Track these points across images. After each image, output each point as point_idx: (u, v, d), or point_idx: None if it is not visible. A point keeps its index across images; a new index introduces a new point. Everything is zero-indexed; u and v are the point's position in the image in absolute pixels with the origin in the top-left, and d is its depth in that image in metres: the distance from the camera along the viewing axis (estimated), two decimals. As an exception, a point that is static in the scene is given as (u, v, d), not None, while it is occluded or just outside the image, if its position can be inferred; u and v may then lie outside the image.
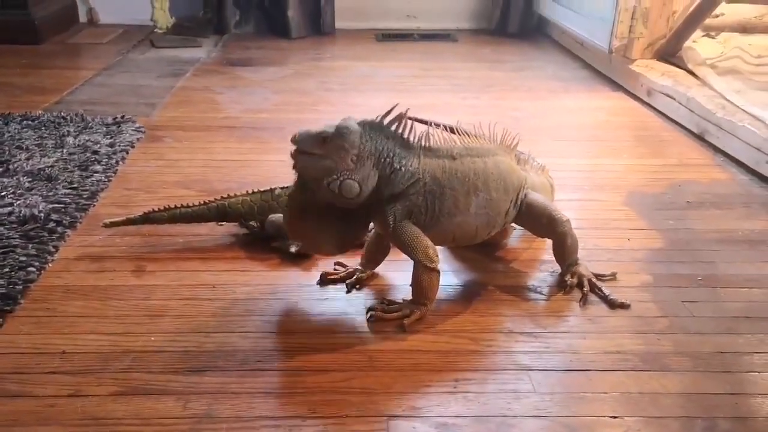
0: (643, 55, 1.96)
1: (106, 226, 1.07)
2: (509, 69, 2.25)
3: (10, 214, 1.11)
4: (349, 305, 0.96)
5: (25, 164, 1.31)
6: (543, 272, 1.06)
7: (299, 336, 0.89)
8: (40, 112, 1.65)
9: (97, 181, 1.28)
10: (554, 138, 1.64)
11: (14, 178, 1.25)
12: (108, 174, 1.33)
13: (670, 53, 1.94)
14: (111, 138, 1.50)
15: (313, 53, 2.42)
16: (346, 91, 1.98)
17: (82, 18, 2.76)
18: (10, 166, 1.30)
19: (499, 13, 2.68)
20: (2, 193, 1.19)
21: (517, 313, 0.96)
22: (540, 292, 1.01)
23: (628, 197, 1.32)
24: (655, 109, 1.82)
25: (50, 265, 1.01)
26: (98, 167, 1.35)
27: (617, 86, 2.03)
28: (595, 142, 1.63)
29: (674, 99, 1.73)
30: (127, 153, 1.45)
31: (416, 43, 2.60)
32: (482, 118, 1.72)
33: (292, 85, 2.03)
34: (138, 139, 1.53)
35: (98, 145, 1.45)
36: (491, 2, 2.72)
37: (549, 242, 1.06)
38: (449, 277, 1.04)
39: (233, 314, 0.93)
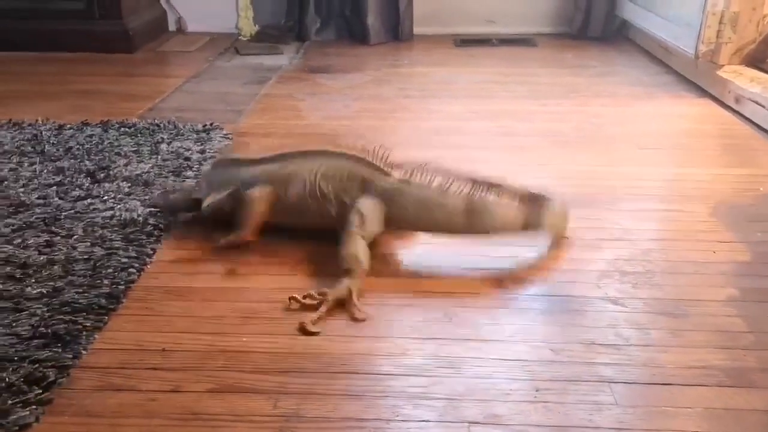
0: (730, 60, 1.91)
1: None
2: (591, 74, 2.23)
3: (112, 217, 1.19)
4: (437, 308, 0.98)
5: (123, 170, 1.39)
6: (624, 284, 1.05)
7: (384, 340, 0.92)
8: (135, 119, 1.74)
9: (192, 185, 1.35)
10: (638, 146, 1.62)
11: (114, 183, 1.33)
12: (199, 179, 1.40)
13: (759, 59, 1.89)
14: (201, 144, 1.57)
15: (392, 59, 2.45)
16: (424, 98, 2.01)
17: (172, 27, 2.88)
18: (111, 172, 1.38)
19: (581, 16, 2.65)
20: (105, 198, 1.26)
21: (598, 325, 0.96)
22: (621, 304, 1.00)
23: (715, 208, 1.30)
24: (743, 116, 1.77)
25: (149, 266, 1.07)
26: (190, 173, 1.42)
27: (703, 92, 1.98)
28: (680, 151, 1.60)
29: (764, 106, 1.68)
30: (218, 159, 1.51)
31: (495, 48, 2.60)
32: (563, 125, 1.75)
33: (371, 91, 2.07)
34: (226, 145, 1.60)
35: (189, 152, 1.52)
36: (573, 5, 2.69)
37: (625, 252, 1.06)
38: (528, 287, 1.05)
39: (319, 318, 0.96)
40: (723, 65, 1.91)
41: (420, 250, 1.17)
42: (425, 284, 1.06)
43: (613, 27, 2.64)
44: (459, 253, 1.14)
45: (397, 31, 2.68)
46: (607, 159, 1.54)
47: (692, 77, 2.06)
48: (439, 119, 1.82)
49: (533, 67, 2.33)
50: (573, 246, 1.16)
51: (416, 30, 2.73)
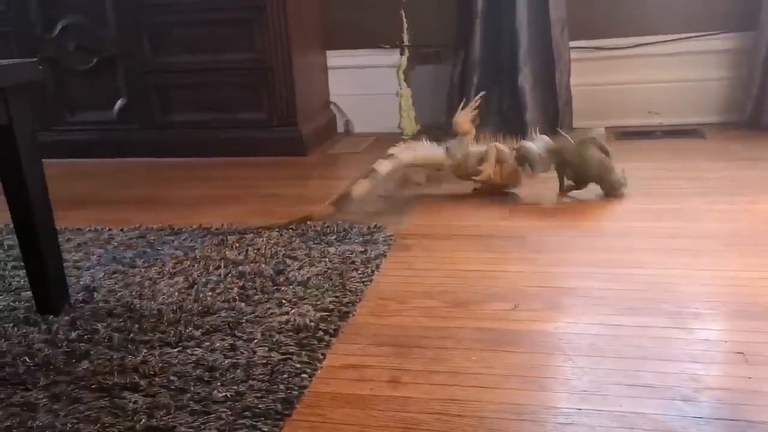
0: None
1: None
2: (764, 168, 2.12)
3: (287, 322, 1.29)
4: None
5: (297, 274, 1.51)
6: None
7: (542, 460, 0.92)
8: (308, 222, 1.88)
9: (354, 290, 1.44)
10: (819, 249, 1.51)
11: (290, 288, 1.44)
12: (365, 282, 1.48)
13: None
14: (366, 247, 1.67)
15: (551, 156, 2.46)
16: (585, 196, 2.00)
17: (340, 128, 3.10)
18: (287, 276, 1.51)
19: (752, 104, 2.55)
20: (282, 302, 1.38)
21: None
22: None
23: None
24: None
25: (319, 372, 1.15)
26: (356, 275, 1.51)
27: None
28: None
29: None
30: (380, 262, 1.60)
31: (659, 141, 2.55)
32: (734, 225, 1.68)
33: (530, 190, 2.09)
34: (390, 247, 1.69)
35: (355, 255, 1.62)
36: (743, 93, 2.59)
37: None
38: (700, 408, 1.01)
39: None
40: None
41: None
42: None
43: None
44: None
45: (557, 125, 2.71)
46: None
47: None
48: (601, 220, 1.81)
49: (700, 161, 2.26)
50: (748, 363, 1.11)
51: (576, 124, 2.74)
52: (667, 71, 2.71)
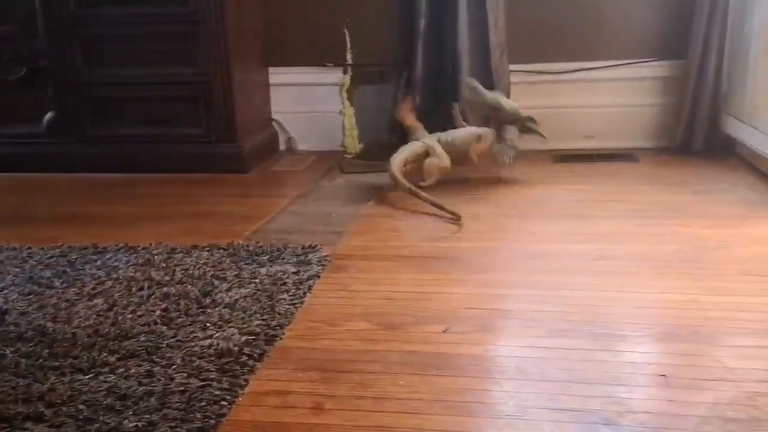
0: None
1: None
2: (694, 192, 2.17)
3: (210, 346, 1.24)
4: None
5: (225, 296, 1.47)
6: (726, 433, 0.99)
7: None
8: (240, 241, 1.84)
9: (284, 313, 1.40)
10: (742, 272, 1.54)
11: (216, 310, 1.40)
12: (296, 305, 1.45)
13: None
14: (299, 268, 1.63)
15: (492, 175, 2.47)
16: (521, 218, 2.01)
17: (282, 146, 3.06)
18: (214, 297, 1.46)
19: (683, 130, 2.61)
20: (206, 325, 1.33)
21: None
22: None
23: (830, 347, 1.21)
24: None
25: (240, 399, 1.11)
26: (287, 297, 1.48)
27: (816, 212, 1.88)
28: (789, 279, 1.52)
29: None
30: (313, 284, 1.56)
31: (595, 164, 2.59)
32: (663, 248, 1.70)
33: (470, 209, 2.08)
34: (324, 268, 1.66)
35: (287, 276, 1.58)
36: (674, 119, 2.66)
37: (727, 394, 0.99)
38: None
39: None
40: (837, 184, 1.82)
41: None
42: None
43: (717, 141, 2.58)
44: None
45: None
46: (708, 287, 1.48)
47: (805, 195, 1.97)
48: (536, 241, 1.81)
49: (633, 184, 2.30)
50: (670, 386, 1.11)
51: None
52: (602, 96, 2.76)
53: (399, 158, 2.28)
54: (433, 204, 2.08)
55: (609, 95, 2.77)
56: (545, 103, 2.76)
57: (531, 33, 2.74)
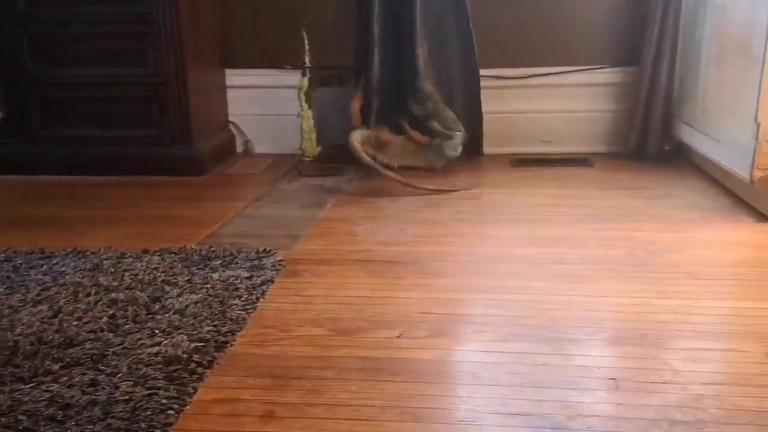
0: (791, 184, 1.86)
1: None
2: (646, 197, 2.20)
3: (157, 354, 1.22)
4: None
5: (175, 302, 1.44)
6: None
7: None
8: (192, 246, 1.81)
9: (236, 318, 1.38)
10: (691, 276, 1.57)
11: (165, 316, 1.37)
12: (248, 310, 1.43)
13: (822, 183, 1.84)
14: (252, 273, 1.61)
15: (451, 180, 2.48)
16: (477, 222, 2.02)
17: (239, 148, 3.03)
18: (163, 303, 1.43)
19: (636, 135, 2.65)
20: (154, 332, 1.30)
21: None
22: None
23: (774, 349, 1.24)
24: (807, 243, 1.71)
25: (187, 407, 1.09)
26: (239, 302, 1.46)
27: (764, 218, 1.92)
28: (737, 282, 1.55)
29: (828, 234, 1.62)
30: (266, 289, 1.54)
31: (552, 168, 2.61)
32: (616, 252, 1.72)
33: (426, 215, 2.09)
34: (278, 272, 1.63)
35: (239, 281, 1.56)
36: (627, 125, 2.70)
37: (674, 397, 1.00)
38: (570, 437, 1.01)
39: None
40: (782, 190, 1.86)
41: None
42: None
43: (670, 146, 2.63)
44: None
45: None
46: (658, 290, 1.50)
47: (752, 201, 2.01)
48: (491, 245, 1.82)
49: (587, 189, 2.33)
50: (619, 389, 1.12)
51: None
52: (558, 102, 2.79)
53: (356, 134, 2.51)
54: (393, 178, 2.35)
55: (565, 101, 2.80)
56: (503, 108, 2.79)
57: (489, 39, 2.75)
